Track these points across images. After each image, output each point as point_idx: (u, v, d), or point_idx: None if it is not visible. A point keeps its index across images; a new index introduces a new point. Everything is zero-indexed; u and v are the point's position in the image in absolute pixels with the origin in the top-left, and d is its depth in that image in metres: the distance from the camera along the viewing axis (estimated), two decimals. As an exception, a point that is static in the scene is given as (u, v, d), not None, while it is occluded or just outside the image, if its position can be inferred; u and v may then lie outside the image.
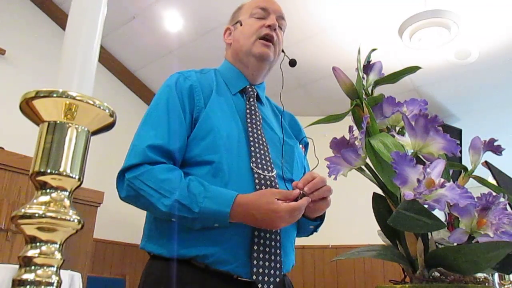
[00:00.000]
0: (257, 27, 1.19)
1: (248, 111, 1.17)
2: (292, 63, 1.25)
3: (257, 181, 1.04)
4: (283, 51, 1.28)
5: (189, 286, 0.97)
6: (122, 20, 3.55)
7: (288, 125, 1.29)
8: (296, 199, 0.96)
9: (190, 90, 1.12)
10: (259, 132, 1.13)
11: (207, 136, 1.06)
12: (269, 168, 1.08)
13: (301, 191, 0.97)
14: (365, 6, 3.07)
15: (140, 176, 0.99)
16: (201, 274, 0.98)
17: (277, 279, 1.00)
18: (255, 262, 0.98)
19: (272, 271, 0.99)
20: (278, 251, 1.02)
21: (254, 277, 0.97)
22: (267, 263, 0.99)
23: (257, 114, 1.17)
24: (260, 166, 1.07)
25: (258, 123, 1.15)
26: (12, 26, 3.44)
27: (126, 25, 3.61)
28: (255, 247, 0.99)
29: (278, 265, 1.01)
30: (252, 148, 1.09)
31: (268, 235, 1.02)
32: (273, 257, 1.01)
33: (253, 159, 1.07)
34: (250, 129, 1.12)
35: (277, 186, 1.06)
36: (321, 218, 1.15)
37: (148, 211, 1.05)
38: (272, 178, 1.07)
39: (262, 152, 1.10)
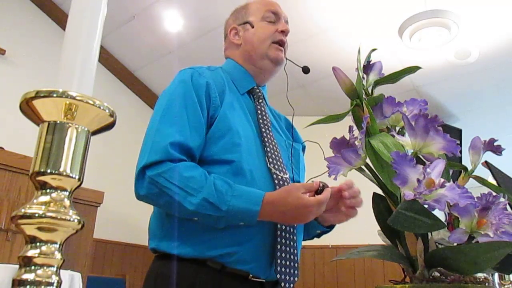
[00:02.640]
0: (272, 31, 1.22)
1: (259, 112, 1.17)
2: (305, 70, 1.27)
3: (276, 181, 1.05)
4: (290, 60, 1.29)
5: (204, 287, 0.96)
6: (122, 20, 3.55)
7: (286, 128, 1.30)
8: (316, 191, 0.97)
9: (206, 87, 1.09)
10: (270, 134, 1.14)
11: (225, 135, 1.05)
12: (284, 170, 1.10)
13: (320, 183, 0.98)
14: (365, 6, 3.07)
15: (164, 174, 0.95)
16: (217, 275, 0.97)
17: (296, 278, 1.01)
18: (279, 261, 0.99)
19: (292, 270, 1.01)
20: (295, 250, 1.04)
21: (278, 275, 0.98)
22: (288, 262, 1.00)
23: (267, 116, 1.18)
24: (276, 167, 1.08)
25: (269, 124, 1.16)
26: (12, 26, 3.44)
27: (126, 25, 3.61)
28: (278, 246, 1.00)
29: (296, 265, 1.03)
30: (268, 149, 1.10)
31: (287, 235, 1.03)
32: (292, 257, 1.02)
33: (270, 160, 1.08)
34: (263, 130, 1.13)
35: None
36: (329, 227, 1.17)
37: (169, 209, 1.00)
38: (288, 180, 1.08)
39: (275, 153, 1.11)
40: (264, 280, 1.00)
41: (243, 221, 0.96)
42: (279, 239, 1.01)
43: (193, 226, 0.98)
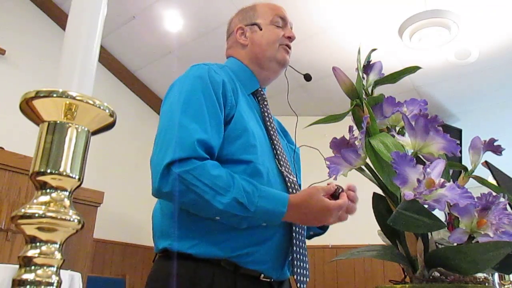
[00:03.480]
0: (280, 35, 1.24)
1: (265, 114, 1.18)
2: (307, 78, 1.29)
3: (288, 184, 1.06)
4: (291, 67, 1.30)
5: (218, 287, 0.95)
6: (122, 20, 3.55)
7: (280, 131, 1.30)
8: (333, 194, 1.00)
9: (223, 86, 1.08)
10: (277, 136, 1.16)
11: (242, 135, 1.04)
12: (291, 172, 1.12)
13: (337, 186, 1.00)
14: (365, 6, 3.07)
15: (192, 171, 0.93)
16: (231, 275, 0.97)
17: (308, 279, 1.03)
18: (295, 262, 1.00)
19: (304, 271, 1.03)
20: (305, 251, 1.06)
21: (296, 276, 0.99)
22: (301, 263, 1.02)
23: (271, 117, 1.19)
24: (286, 169, 1.09)
25: (275, 127, 1.18)
26: (12, 26, 3.44)
27: (126, 25, 3.61)
28: (294, 248, 1.02)
29: (307, 265, 1.04)
30: (278, 152, 1.11)
31: (300, 237, 1.05)
32: (303, 257, 1.04)
33: (281, 162, 1.09)
34: (272, 132, 1.14)
35: (300, 190, 1.09)
36: (323, 229, 1.19)
37: (193, 208, 0.97)
38: (296, 183, 1.10)
39: (284, 156, 1.12)
40: (271, 280, 1.01)
41: (267, 222, 0.96)
42: (294, 241, 1.02)
43: (209, 226, 0.97)
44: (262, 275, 0.99)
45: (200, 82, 1.05)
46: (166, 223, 1.03)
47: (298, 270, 1.00)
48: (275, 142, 1.12)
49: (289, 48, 1.25)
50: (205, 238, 0.98)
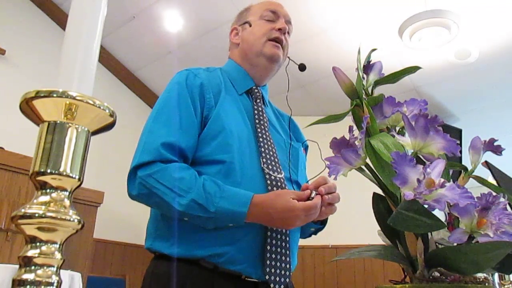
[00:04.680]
0: (268, 28, 1.21)
1: (256, 112, 1.17)
2: (302, 67, 1.26)
3: (268, 182, 1.05)
4: (288, 57, 1.29)
5: (197, 287, 0.96)
6: (122, 20, 3.55)
7: (289, 128, 1.29)
8: (308, 199, 0.96)
9: (200, 88, 1.10)
10: (267, 133, 1.14)
11: (218, 135, 1.05)
12: (278, 170, 1.10)
13: (312, 191, 0.98)
14: (365, 6, 3.07)
15: (154, 175, 0.96)
16: (209, 274, 0.97)
17: (287, 279, 1.01)
18: (267, 262, 0.99)
19: (282, 271, 1.00)
20: (287, 251, 1.03)
21: (267, 276, 0.97)
22: (278, 263, 1.00)
23: (264, 115, 1.18)
24: (270, 167, 1.08)
25: (266, 124, 1.16)
26: (12, 26, 3.44)
27: (126, 25, 3.61)
28: (268, 247, 1.00)
29: (287, 266, 1.02)
30: (262, 149, 1.09)
31: (279, 236, 1.03)
32: (283, 258, 1.02)
33: (264, 160, 1.08)
34: (259, 130, 1.13)
35: (286, 187, 1.08)
36: (322, 223, 1.16)
37: (160, 209, 1.02)
38: (282, 180, 1.08)
39: (271, 153, 1.11)
40: (257, 280, 1.00)
41: (231, 222, 0.96)
42: (269, 240, 1.00)
43: (185, 226, 0.99)
44: (243, 275, 0.99)
45: (177, 88, 1.10)
46: (150, 224, 1.08)
47: (272, 270, 0.98)
48: (260, 139, 1.11)
49: (279, 41, 1.21)
50: (181, 238, 1.00)
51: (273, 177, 1.06)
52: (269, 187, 1.04)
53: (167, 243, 1.01)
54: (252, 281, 1.00)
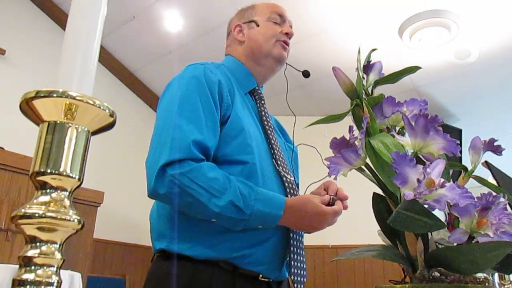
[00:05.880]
0: (277, 31, 1.23)
1: (262, 113, 1.17)
2: (306, 74, 1.28)
3: (286, 184, 1.06)
4: (291, 65, 1.29)
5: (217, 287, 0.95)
6: (122, 20, 3.55)
7: (278, 130, 1.30)
8: (328, 204, 1.00)
9: (219, 86, 1.06)
10: (275, 136, 1.15)
11: (238, 135, 1.03)
12: (289, 172, 1.11)
13: (331, 196, 1.01)
14: (365, 6, 3.07)
15: (188, 173, 0.92)
16: (230, 275, 0.97)
17: (305, 279, 1.03)
18: (293, 262, 1.00)
19: (301, 271, 1.03)
20: (303, 252, 1.06)
21: (293, 277, 0.99)
22: (299, 264, 1.02)
23: (269, 117, 1.18)
24: (284, 169, 1.09)
25: (272, 126, 1.17)
26: (12, 26, 3.44)
27: (126, 25, 3.61)
28: (292, 248, 1.02)
29: (304, 266, 1.05)
30: (275, 151, 1.10)
31: (297, 237, 1.05)
32: (301, 258, 1.04)
33: (278, 162, 1.08)
34: (268, 131, 1.13)
35: (297, 190, 1.10)
36: None
37: (188, 210, 0.96)
38: (294, 182, 1.10)
39: (281, 156, 1.12)
40: (270, 280, 1.02)
41: (263, 224, 0.96)
42: (291, 241, 1.02)
43: (207, 227, 0.97)
44: (261, 275, 1.00)
45: (196, 82, 1.04)
46: (162, 224, 1.02)
47: (296, 271, 1.00)
48: (272, 141, 1.11)
49: (287, 44, 1.24)
50: (202, 239, 0.97)
51: (288, 180, 1.07)
52: (287, 189, 1.05)
53: (188, 244, 0.97)
54: (265, 280, 1.01)
